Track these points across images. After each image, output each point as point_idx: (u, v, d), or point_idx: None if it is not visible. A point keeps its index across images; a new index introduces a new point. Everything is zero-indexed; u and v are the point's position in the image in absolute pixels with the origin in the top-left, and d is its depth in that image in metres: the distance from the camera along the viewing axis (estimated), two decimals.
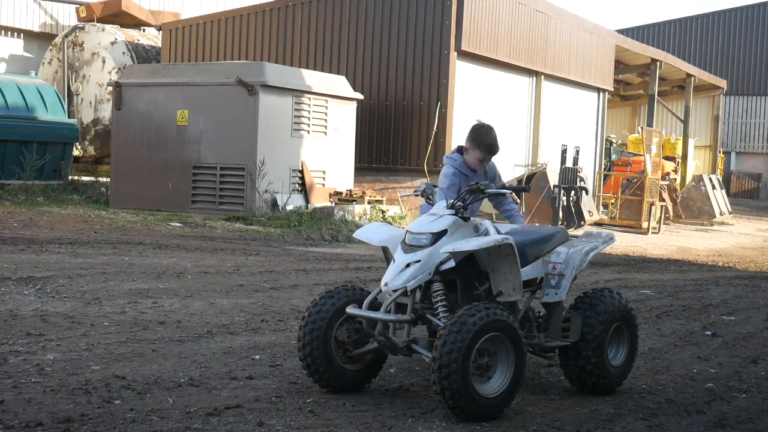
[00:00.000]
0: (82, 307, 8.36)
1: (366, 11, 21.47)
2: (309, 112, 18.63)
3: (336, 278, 11.17)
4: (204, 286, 9.90)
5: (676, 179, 31.06)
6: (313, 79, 19.04)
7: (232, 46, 23.16)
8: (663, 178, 25.87)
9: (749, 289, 12.87)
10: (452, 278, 6.08)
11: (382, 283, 5.82)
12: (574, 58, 25.86)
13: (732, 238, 23.46)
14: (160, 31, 24.94)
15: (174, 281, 10.12)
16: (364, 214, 18.14)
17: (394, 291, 5.75)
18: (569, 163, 21.29)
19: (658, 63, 30.98)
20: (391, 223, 14.45)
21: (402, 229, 6.14)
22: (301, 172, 18.52)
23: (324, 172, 19.08)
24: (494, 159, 6.91)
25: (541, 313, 6.47)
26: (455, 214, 5.91)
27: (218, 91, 17.74)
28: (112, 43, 23.92)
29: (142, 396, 5.68)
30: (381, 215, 18.41)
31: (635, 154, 30.01)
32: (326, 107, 19.04)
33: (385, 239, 6.14)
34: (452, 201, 6.06)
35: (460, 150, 6.82)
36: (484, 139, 6.67)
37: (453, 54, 20.64)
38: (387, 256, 6.18)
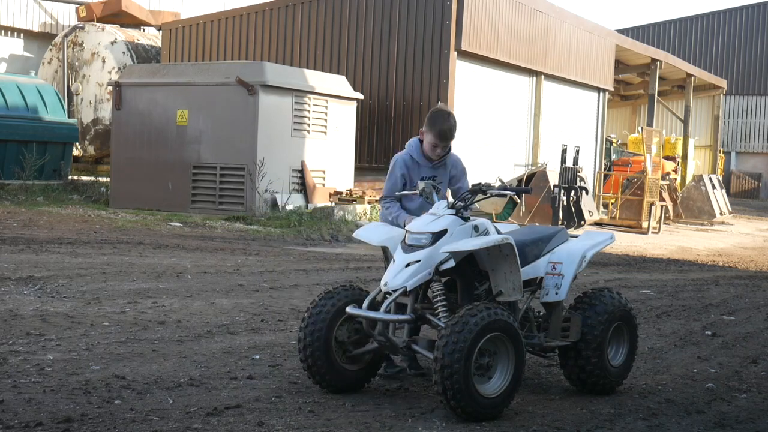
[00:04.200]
0: (82, 307, 8.36)
1: (366, 11, 21.47)
2: (309, 112, 18.63)
3: (336, 278, 11.17)
4: (204, 286, 9.90)
5: (676, 179, 31.06)
6: (313, 79, 19.03)
7: (232, 46, 23.16)
8: (663, 178, 25.86)
9: (749, 289, 12.87)
10: (452, 278, 6.08)
11: (382, 283, 5.81)
12: (574, 58, 25.85)
13: (732, 237, 23.46)
14: (160, 31, 24.94)
15: (174, 281, 10.12)
16: (364, 214, 18.14)
17: (394, 291, 5.75)
18: (569, 163, 21.28)
19: (658, 63, 30.98)
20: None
21: (402, 229, 6.14)
22: (301, 172, 18.51)
23: (324, 172, 19.08)
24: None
25: (541, 313, 6.47)
26: (455, 214, 5.91)
27: (218, 91, 17.74)
28: (112, 43, 23.92)
29: (142, 396, 5.68)
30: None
31: (635, 154, 30.00)
32: (326, 107, 19.04)
33: (385, 239, 6.14)
34: (452, 201, 6.07)
35: (420, 140, 6.48)
36: (437, 122, 6.24)
37: (453, 54, 20.63)
38: (387, 256, 6.18)
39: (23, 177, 18.66)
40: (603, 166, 28.15)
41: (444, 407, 5.49)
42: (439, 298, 5.81)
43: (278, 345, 7.35)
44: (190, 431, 5.07)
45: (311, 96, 18.62)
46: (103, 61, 23.81)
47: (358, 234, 6.29)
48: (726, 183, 42.77)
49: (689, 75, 35.01)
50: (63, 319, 7.79)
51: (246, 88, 17.37)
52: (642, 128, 26.90)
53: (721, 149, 43.31)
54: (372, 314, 5.80)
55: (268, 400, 5.78)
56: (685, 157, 34.34)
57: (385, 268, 6.02)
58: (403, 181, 6.45)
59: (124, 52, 23.86)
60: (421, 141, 6.48)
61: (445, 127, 6.27)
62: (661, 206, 23.81)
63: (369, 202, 18.66)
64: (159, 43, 24.83)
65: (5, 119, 19.31)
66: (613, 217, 23.87)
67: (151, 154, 18.34)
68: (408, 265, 5.75)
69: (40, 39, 26.51)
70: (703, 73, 37.30)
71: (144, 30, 26.52)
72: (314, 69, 20.98)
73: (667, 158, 31.69)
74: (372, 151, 21.42)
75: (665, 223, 24.29)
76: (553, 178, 21.29)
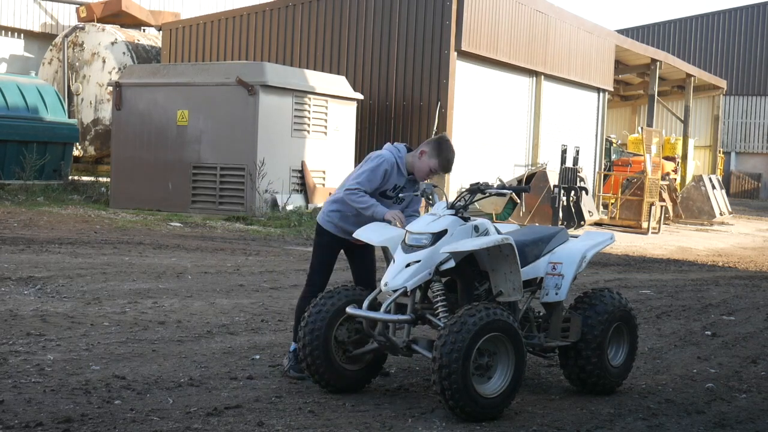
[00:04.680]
0: (82, 307, 8.36)
1: (366, 11, 21.47)
2: (309, 112, 18.63)
3: (336, 278, 11.14)
4: (204, 286, 9.90)
5: (676, 179, 31.05)
6: (314, 79, 19.03)
7: (232, 46, 23.15)
8: (663, 178, 25.86)
9: (749, 289, 12.87)
10: (452, 278, 6.08)
11: (382, 283, 5.82)
12: (574, 58, 25.85)
13: (732, 238, 23.45)
14: (160, 31, 24.93)
15: (174, 281, 10.12)
16: None
17: (394, 291, 5.75)
18: (569, 163, 21.28)
19: (658, 63, 30.97)
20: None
21: (402, 229, 6.14)
22: (301, 172, 18.52)
23: (324, 172, 19.08)
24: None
25: (541, 313, 6.48)
26: (455, 214, 5.92)
27: (218, 91, 17.74)
28: (112, 43, 23.92)
29: (142, 396, 5.68)
30: None
31: (635, 154, 29.99)
32: (326, 107, 19.04)
33: (385, 239, 6.14)
34: (452, 201, 6.08)
35: (407, 149, 6.49)
36: (448, 153, 6.36)
37: (453, 54, 20.63)
38: (387, 256, 6.19)
39: (23, 177, 18.66)
40: (603, 166, 28.15)
41: (443, 407, 5.49)
42: (439, 299, 5.81)
43: (278, 345, 7.35)
44: (190, 431, 5.07)
45: (311, 96, 18.62)
46: (104, 62, 23.81)
47: (358, 234, 6.28)
48: (726, 183, 42.76)
49: (689, 75, 34.99)
50: (63, 319, 7.79)
51: (246, 89, 17.37)
52: (642, 128, 26.90)
53: (721, 149, 43.29)
54: (372, 314, 5.80)
55: (268, 400, 5.78)
56: (684, 157, 34.34)
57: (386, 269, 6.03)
58: (381, 181, 6.35)
59: (124, 53, 23.86)
60: (408, 149, 6.46)
61: (452, 158, 6.40)
62: (661, 206, 23.81)
63: None
64: (159, 44, 24.83)
65: (5, 119, 19.32)
66: (613, 218, 23.87)
67: (151, 154, 18.34)
68: (408, 265, 5.75)
69: (41, 39, 26.50)
70: (703, 74, 37.29)
71: (144, 30, 26.52)
72: (314, 69, 20.98)
73: (667, 158, 31.68)
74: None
75: (665, 224, 24.28)
76: (553, 179, 21.28)
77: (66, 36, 24.39)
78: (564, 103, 26.09)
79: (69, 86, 24.08)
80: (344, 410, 5.66)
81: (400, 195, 6.40)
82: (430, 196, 6.34)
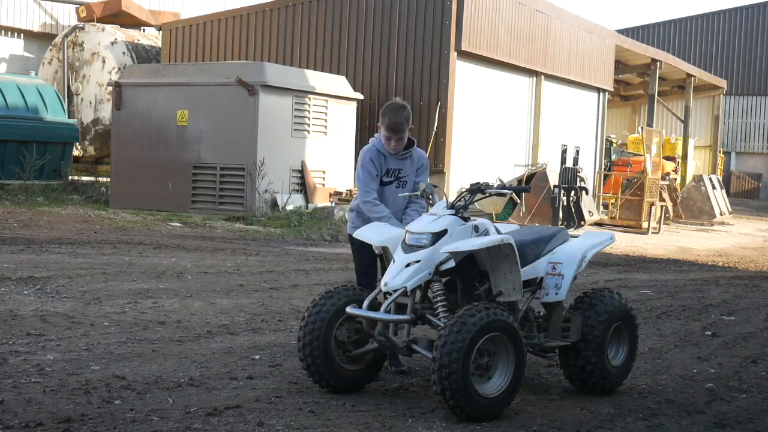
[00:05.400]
0: (82, 307, 8.36)
1: (366, 11, 21.48)
2: (309, 112, 18.63)
3: (336, 278, 11.17)
4: (204, 286, 9.90)
5: (676, 179, 31.05)
6: (314, 79, 19.04)
7: (232, 46, 23.16)
8: (663, 178, 25.86)
9: (749, 289, 12.86)
10: (452, 278, 6.08)
11: (382, 283, 5.82)
12: (574, 58, 25.86)
13: (732, 238, 23.45)
14: (160, 31, 24.94)
15: (174, 281, 10.12)
16: None
17: (394, 291, 5.75)
18: (569, 163, 21.29)
19: (658, 63, 30.98)
20: None
21: (402, 229, 6.14)
22: (301, 172, 18.52)
23: (324, 172, 19.09)
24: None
25: (541, 313, 6.47)
26: (455, 214, 5.92)
27: (218, 91, 17.74)
28: (112, 43, 23.92)
29: (142, 396, 5.68)
30: None
31: (635, 154, 30.00)
32: (326, 107, 19.04)
33: (385, 239, 6.14)
34: (452, 201, 6.08)
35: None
36: (387, 115, 6.39)
37: (453, 54, 20.63)
38: (387, 256, 6.19)
39: (23, 177, 18.67)
40: (603, 166, 28.15)
41: (443, 407, 5.49)
42: (439, 299, 5.81)
43: (278, 345, 7.35)
44: (190, 431, 5.07)
45: (311, 96, 18.62)
46: (103, 62, 23.82)
47: (358, 234, 6.29)
48: (726, 183, 42.76)
49: (689, 75, 35.00)
50: (63, 319, 7.79)
51: (246, 88, 17.37)
52: (642, 128, 26.90)
53: (721, 149, 43.30)
54: (372, 314, 5.80)
55: (268, 400, 5.78)
56: (685, 157, 34.34)
57: (385, 269, 6.03)
58: (375, 171, 6.54)
59: (124, 53, 23.86)
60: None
61: (393, 120, 6.38)
62: (661, 206, 23.81)
63: None
64: (159, 44, 24.83)
65: (5, 119, 19.32)
66: (613, 217, 23.87)
67: (151, 154, 18.34)
68: (408, 265, 5.75)
69: (40, 39, 26.51)
70: (703, 73, 37.30)
71: (144, 30, 26.52)
72: (314, 69, 20.98)
73: (667, 158, 31.68)
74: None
75: (665, 224, 24.28)
76: (553, 178, 21.29)
77: (66, 36, 24.39)
78: (564, 103, 26.10)
79: (69, 86, 24.08)
80: (344, 410, 5.66)
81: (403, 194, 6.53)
82: (430, 196, 6.34)
